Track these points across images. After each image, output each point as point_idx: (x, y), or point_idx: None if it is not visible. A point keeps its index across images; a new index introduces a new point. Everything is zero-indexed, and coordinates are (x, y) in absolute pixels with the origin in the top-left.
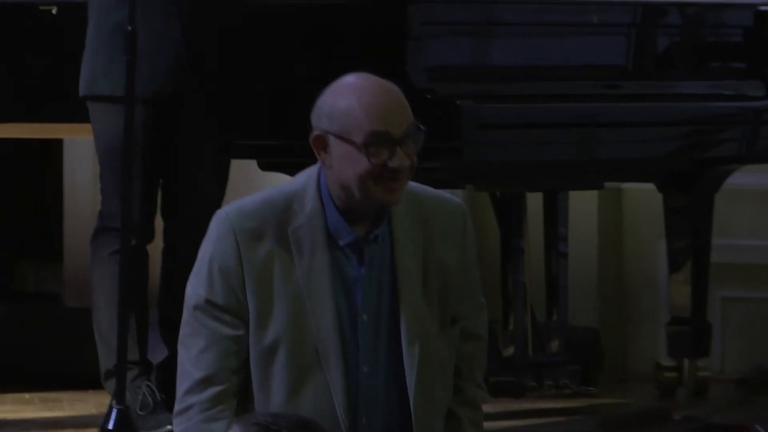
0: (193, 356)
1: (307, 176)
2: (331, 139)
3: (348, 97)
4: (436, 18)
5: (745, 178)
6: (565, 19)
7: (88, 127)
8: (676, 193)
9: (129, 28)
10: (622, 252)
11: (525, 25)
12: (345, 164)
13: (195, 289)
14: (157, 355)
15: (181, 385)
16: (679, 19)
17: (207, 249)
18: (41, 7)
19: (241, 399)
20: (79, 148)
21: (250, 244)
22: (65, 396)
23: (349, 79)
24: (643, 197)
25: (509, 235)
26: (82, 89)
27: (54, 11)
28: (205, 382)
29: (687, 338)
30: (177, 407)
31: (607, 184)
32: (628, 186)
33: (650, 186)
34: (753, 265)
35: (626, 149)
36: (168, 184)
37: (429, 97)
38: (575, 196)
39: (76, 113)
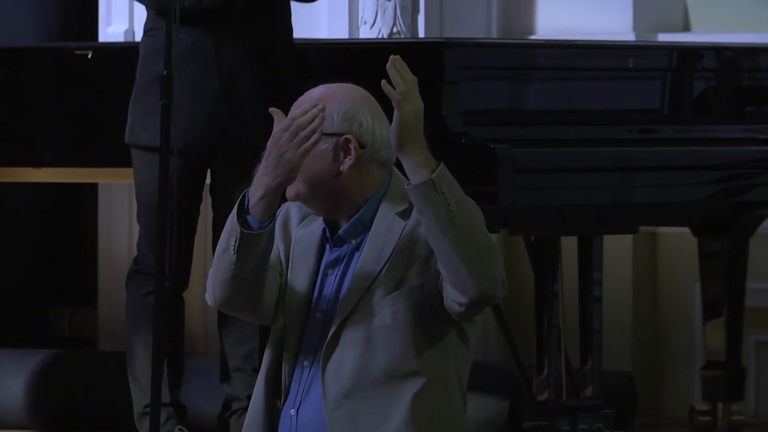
0: None
1: None
2: None
3: None
4: (471, 62)
5: None
6: (601, 64)
7: (122, 171)
8: (711, 237)
9: (165, 72)
10: (656, 296)
11: (560, 69)
12: None
13: None
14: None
15: None
16: (714, 63)
17: None
18: (77, 52)
19: None
20: (114, 192)
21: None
22: None
23: None
24: (678, 241)
25: (544, 279)
26: (126, 137)
27: (89, 56)
28: None
29: (722, 382)
30: None
31: (642, 228)
32: (662, 230)
33: (685, 230)
34: None
35: (661, 194)
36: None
37: (464, 141)
38: (610, 240)
39: (111, 158)
